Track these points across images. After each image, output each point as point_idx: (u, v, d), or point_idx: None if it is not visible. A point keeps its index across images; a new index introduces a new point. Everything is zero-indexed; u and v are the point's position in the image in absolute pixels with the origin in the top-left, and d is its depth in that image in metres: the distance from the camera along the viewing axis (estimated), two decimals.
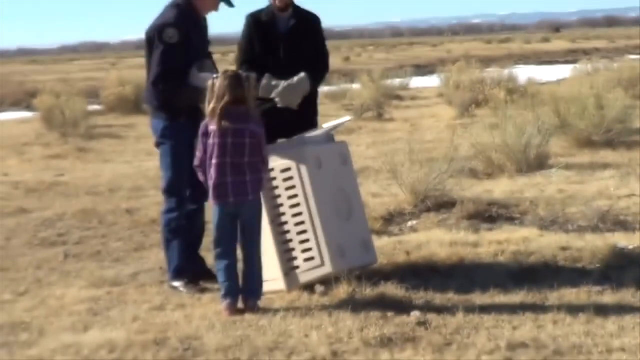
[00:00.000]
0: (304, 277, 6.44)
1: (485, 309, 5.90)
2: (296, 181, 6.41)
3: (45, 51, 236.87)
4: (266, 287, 6.27)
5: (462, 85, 22.56)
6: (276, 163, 6.42)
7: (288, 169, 6.43)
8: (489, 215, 8.69)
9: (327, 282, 6.36)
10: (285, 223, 6.46)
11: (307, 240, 6.40)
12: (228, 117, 5.98)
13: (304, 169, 6.38)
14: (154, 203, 9.99)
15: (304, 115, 7.11)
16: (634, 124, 14.37)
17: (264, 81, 7.03)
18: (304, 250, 6.41)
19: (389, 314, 5.86)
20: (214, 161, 6.02)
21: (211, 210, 6.23)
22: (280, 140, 6.79)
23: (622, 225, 8.13)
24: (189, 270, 6.86)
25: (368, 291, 6.24)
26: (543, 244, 7.33)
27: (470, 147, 11.81)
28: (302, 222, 6.41)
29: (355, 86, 27.11)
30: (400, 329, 5.58)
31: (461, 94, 20.97)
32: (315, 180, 6.39)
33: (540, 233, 7.76)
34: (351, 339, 5.43)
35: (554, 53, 71.42)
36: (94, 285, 7.06)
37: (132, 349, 5.43)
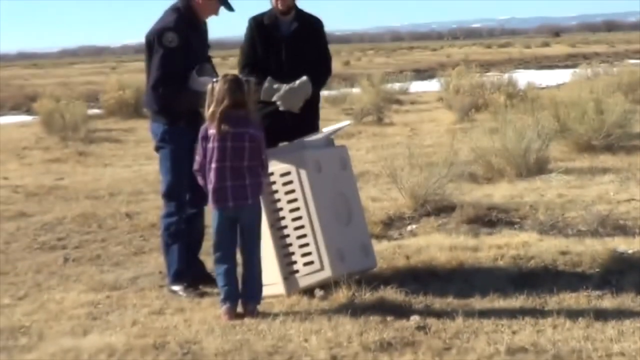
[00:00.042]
0: (304, 282, 6.43)
1: (484, 314, 5.90)
2: (296, 185, 6.41)
3: (46, 55, 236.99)
4: (265, 291, 6.27)
5: (461, 89, 22.55)
6: (276, 167, 6.42)
7: (288, 173, 6.42)
8: (488, 219, 8.70)
9: (327, 286, 6.36)
10: (285, 227, 6.45)
11: (306, 245, 6.40)
12: (227, 121, 5.98)
13: (303, 173, 6.38)
14: (154, 207, 9.99)
15: (306, 118, 7.13)
16: (634, 129, 14.38)
17: (266, 84, 7.04)
18: (304, 255, 6.41)
19: (389, 318, 5.86)
20: (213, 165, 6.01)
21: (210, 214, 6.23)
22: (281, 144, 6.79)
23: (622, 229, 8.13)
24: (189, 274, 6.86)
25: (367, 295, 6.24)
26: (542, 248, 7.33)
27: (470, 152, 11.81)
28: (301, 226, 6.41)
29: (355, 90, 27.11)
30: (400, 334, 5.58)
31: (461, 98, 20.97)
32: (314, 184, 6.39)
33: (539, 237, 7.75)
34: (350, 344, 5.42)
35: (554, 57, 71.60)
36: (94, 289, 7.06)
37: (132, 353, 5.42)
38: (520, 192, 10.09)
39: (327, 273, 6.34)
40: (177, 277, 6.84)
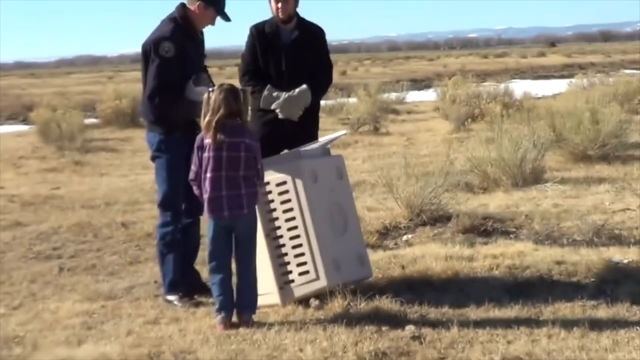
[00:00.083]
0: (299, 291, 6.43)
1: (479, 323, 5.90)
2: (291, 195, 6.40)
3: (43, 64, 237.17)
4: (261, 300, 6.26)
5: (458, 99, 22.57)
6: (272, 177, 6.42)
7: (283, 183, 6.42)
8: (484, 229, 8.69)
9: (322, 296, 6.35)
10: (281, 237, 6.45)
11: (302, 254, 6.39)
12: (223, 131, 5.98)
13: (299, 182, 6.38)
14: (150, 216, 9.99)
15: (305, 127, 7.15)
16: (629, 139, 14.40)
17: (265, 92, 7.08)
18: (299, 264, 6.41)
19: (384, 328, 5.86)
20: (208, 175, 6.02)
21: (206, 224, 6.23)
22: (282, 153, 6.80)
23: (617, 239, 8.13)
24: (184, 284, 6.86)
25: (363, 305, 6.23)
26: (538, 258, 7.33)
27: (466, 161, 11.82)
28: (297, 236, 6.40)
29: (352, 100, 27.12)
30: (395, 343, 5.58)
31: (457, 108, 20.99)
32: (310, 194, 6.39)
33: (535, 247, 7.76)
34: (345, 353, 5.42)
35: (550, 67, 71.67)
36: (89, 299, 7.05)
37: None
38: (515, 201, 10.10)
39: (322, 283, 6.34)
40: (172, 286, 6.84)
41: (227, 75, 53.78)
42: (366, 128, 20.52)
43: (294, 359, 5.39)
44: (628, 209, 9.44)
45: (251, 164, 6.06)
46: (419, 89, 41.75)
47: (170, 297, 6.81)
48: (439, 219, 9.07)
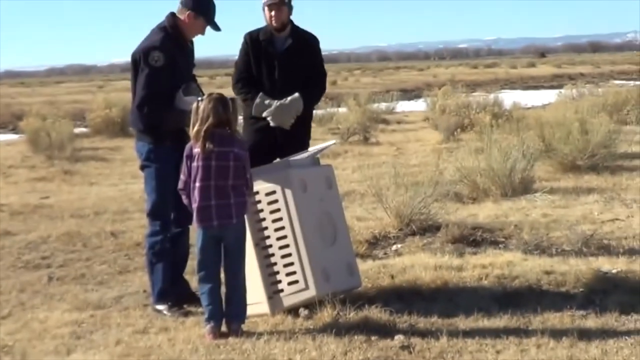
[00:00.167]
0: (288, 301, 6.43)
1: (468, 333, 5.91)
2: (281, 204, 6.40)
3: (33, 73, 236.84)
4: (250, 310, 6.26)
5: (447, 109, 22.63)
6: (261, 186, 6.42)
7: (273, 192, 6.42)
8: (473, 239, 8.70)
9: (311, 305, 6.35)
10: (270, 246, 6.45)
11: (291, 264, 6.39)
12: (212, 140, 5.98)
13: (288, 192, 6.38)
14: (139, 226, 9.98)
15: (296, 135, 7.17)
16: (618, 149, 14.42)
17: (258, 100, 7.10)
18: (288, 274, 6.40)
19: (373, 337, 5.86)
20: (197, 184, 6.01)
21: (195, 233, 6.23)
22: (272, 163, 6.80)
23: (606, 249, 8.15)
24: (173, 293, 6.85)
25: (352, 315, 6.23)
26: (527, 267, 7.35)
27: (455, 171, 11.83)
28: (286, 246, 6.40)
29: (342, 110, 27.16)
30: (384, 353, 5.59)
31: (447, 118, 21.03)
32: (300, 203, 6.39)
33: (524, 257, 7.77)
34: None
35: (540, 78, 71.88)
36: (78, 308, 7.04)
37: None
38: (505, 211, 10.12)
39: (311, 292, 6.34)
40: (161, 296, 6.83)
41: (217, 84, 53.80)
42: (356, 138, 20.53)
43: None
44: (617, 219, 9.47)
45: (240, 173, 6.06)
46: (409, 99, 41.83)
47: (160, 307, 6.80)
48: (429, 228, 9.08)
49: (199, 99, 6.14)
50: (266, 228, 6.45)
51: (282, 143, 7.13)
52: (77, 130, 24.10)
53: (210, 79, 68.03)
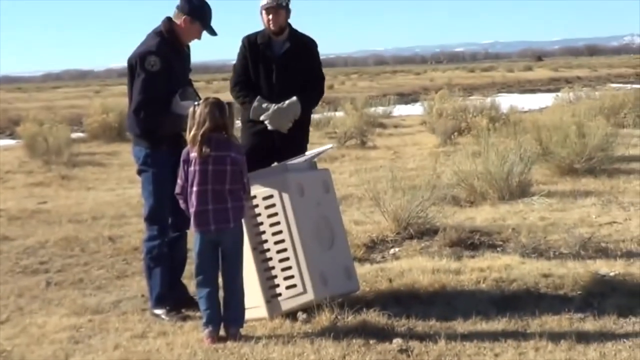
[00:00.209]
0: (286, 305, 6.43)
1: (467, 336, 5.91)
2: (278, 208, 6.40)
3: (30, 78, 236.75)
4: (248, 314, 6.26)
5: (444, 113, 22.62)
6: (258, 190, 6.42)
7: (270, 197, 6.42)
8: (471, 242, 8.70)
9: (310, 309, 6.35)
10: (268, 250, 6.45)
11: (289, 268, 6.39)
12: (209, 144, 5.99)
13: (286, 196, 6.38)
14: (137, 230, 9.98)
15: (294, 138, 7.17)
16: (616, 152, 14.44)
17: (255, 103, 7.11)
18: (286, 278, 6.40)
19: (371, 341, 5.86)
20: (194, 188, 6.01)
21: (192, 238, 6.23)
22: (269, 167, 6.80)
23: (604, 252, 8.16)
24: (171, 297, 6.85)
25: (350, 318, 6.23)
26: (525, 271, 7.35)
27: (453, 175, 11.83)
28: (284, 250, 6.40)
29: (339, 114, 27.17)
30: (383, 357, 5.59)
31: (444, 121, 21.02)
32: (297, 207, 6.39)
33: (522, 260, 7.77)
34: None
35: (537, 81, 71.97)
36: (76, 313, 7.04)
37: None
38: (502, 215, 10.12)
39: (309, 296, 6.34)
40: (159, 300, 6.83)
41: (214, 89, 53.78)
42: (353, 142, 20.55)
43: None
44: (614, 222, 9.47)
45: (237, 177, 6.06)
46: (406, 102, 41.86)
47: (158, 311, 6.80)
48: (426, 232, 9.08)
49: (196, 103, 6.15)
50: (264, 232, 6.45)
51: (279, 147, 7.14)
52: (74, 135, 24.12)
53: (207, 84, 68.08)
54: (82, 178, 16.75)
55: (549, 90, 51.17)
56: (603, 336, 5.87)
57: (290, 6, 7.28)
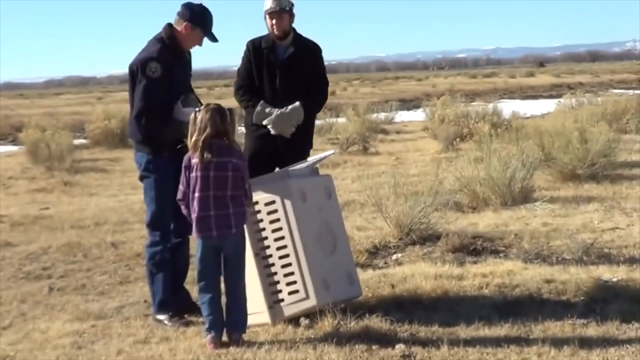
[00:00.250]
0: (289, 310, 6.43)
1: (469, 342, 5.91)
2: (280, 214, 6.40)
3: (32, 85, 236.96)
4: (250, 320, 6.26)
5: (446, 119, 22.62)
6: (260, 196, 6.42)
7: (272, 202, 6.42)
8: (473, 248, 8.71)
9: (312, 315, 6.35)
10: (270, 256, 6.45)
11: (291, 274, 6.39)
12: (210, 150, 5.99)
13: (288, 202, 6.38)
14: (139, 236, 9.98)
15: (297, 143, 7.17)
16: (618, 158, 14.43)
17: (258, 108, 7.12)
18: (289, 284, 6.40)
19: (374, 347, 5.86)
20: (196, 194, 6.01)
21: (195, 243, 6.23)
22: (271, 173, 6.81)
23: (606, 258, 8.15)
24: (174, 303, 6.85)
25: (353, 324, 6.23)
26: (527, 276, 7.34)
27: (455, 181, 11.83)
28: (286, 255, 6.40)
29: (341, 120, 27.18)
30: None
31: (446, 127, 21.03)
32: (299, 213, 6.39)
33: (524, 266, 7.77)
34: None
35: (539, 87, 71.96)
36: (79, 319, 7.04)
37: None
38: (505, 220, 10.12)
39: (312, 302, 6.34)
40: (162, 306, 6.83)
41: (216, 95, 53.80)
42: (355, 148, 20.55)
43: None
44: (617, 228, 9.47)
45: (239, 183, 6.06)
46: (408, 108, 41.85)
47: (160, 317, 6.80)
48: (429, 238, 9.08)
49: (197, 109, 6.15)
50: (266, 238, 6.45)
51: (282, 151, 7.15)
52: (77, 141, 24.13)
53: (209, 90, 68.13)
54: (84, 184, 16.77)
55: (551, 96, 51.20)
56: (606, 342, 5.87)
57: (295, 11, 7.29)
